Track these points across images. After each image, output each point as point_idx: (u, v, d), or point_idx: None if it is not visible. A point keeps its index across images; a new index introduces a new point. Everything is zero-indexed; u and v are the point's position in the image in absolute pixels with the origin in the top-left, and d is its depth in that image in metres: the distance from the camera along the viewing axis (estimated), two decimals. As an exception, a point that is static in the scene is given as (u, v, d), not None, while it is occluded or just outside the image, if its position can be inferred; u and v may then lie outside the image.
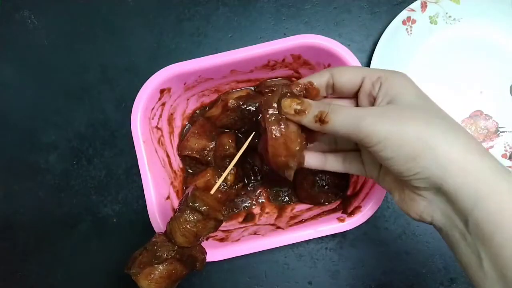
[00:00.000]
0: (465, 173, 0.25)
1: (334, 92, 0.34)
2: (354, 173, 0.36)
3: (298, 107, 0.31)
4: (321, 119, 0.30)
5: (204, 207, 0.33)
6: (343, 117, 0.29)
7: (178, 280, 0.35)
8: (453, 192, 0.26)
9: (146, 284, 0.33)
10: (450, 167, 0.25)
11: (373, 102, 0.31)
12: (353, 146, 0.36)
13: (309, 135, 0.34)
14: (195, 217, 0.33)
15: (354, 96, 0.33)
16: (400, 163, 0.27)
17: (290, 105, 0.31)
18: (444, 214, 0.27)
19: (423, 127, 0.27)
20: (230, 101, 0.45)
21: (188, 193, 0.34)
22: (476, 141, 0.27)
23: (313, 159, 0.36)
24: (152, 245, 0.34)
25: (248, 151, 0.39)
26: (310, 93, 0.33)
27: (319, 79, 0.33)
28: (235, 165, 0.38)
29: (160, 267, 0.33)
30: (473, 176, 0.25)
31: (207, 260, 0.37)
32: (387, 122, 0.27)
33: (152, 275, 0.33)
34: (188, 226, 0.33)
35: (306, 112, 0.31)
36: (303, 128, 0.32)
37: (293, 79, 0.47)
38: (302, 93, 0.33)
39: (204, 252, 0.36)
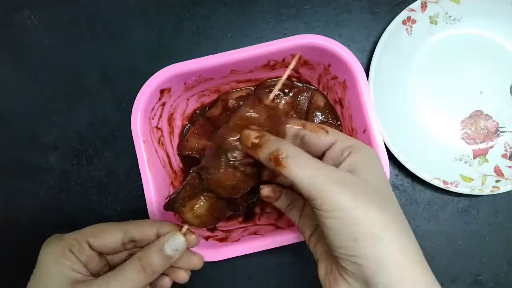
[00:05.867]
0: (403, 281, 0.25)
1: (302, 144, 0.32)
2: (289, 216, 0.36)
3: (256, 141, 0.29)
4: (276, 160, 0.27)
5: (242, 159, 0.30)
6: (300, 167, 0.26)
7: (220, 218, 0.34)
8: None
9: (190, 217, 0.32)
10: (390, 267, 0.25)
11: (336, 166, 0.29)
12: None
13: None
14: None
15: (320, 155, 0.32)
16: (341, 238, 0.26)
17: (249, 138, 0.29)
18: None
19: (380, 215, 0.25)
20: (230, 101, 0.45)
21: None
22: (422, 255, 0.27)
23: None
24: (193, 179, 0.33)
25: None
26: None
27: (291, 127, 0.32)
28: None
29: (204, 200, 0.32)
30: (409, 286, 0.25)
31: (207, 260, 0.37)
32: (345, 194, 0.25)
33: (195, 208, 0.32)
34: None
35: (261, 147, 0.28)
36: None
37: (293, 79, 0.47)
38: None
39: (245, 201, 0.35)
